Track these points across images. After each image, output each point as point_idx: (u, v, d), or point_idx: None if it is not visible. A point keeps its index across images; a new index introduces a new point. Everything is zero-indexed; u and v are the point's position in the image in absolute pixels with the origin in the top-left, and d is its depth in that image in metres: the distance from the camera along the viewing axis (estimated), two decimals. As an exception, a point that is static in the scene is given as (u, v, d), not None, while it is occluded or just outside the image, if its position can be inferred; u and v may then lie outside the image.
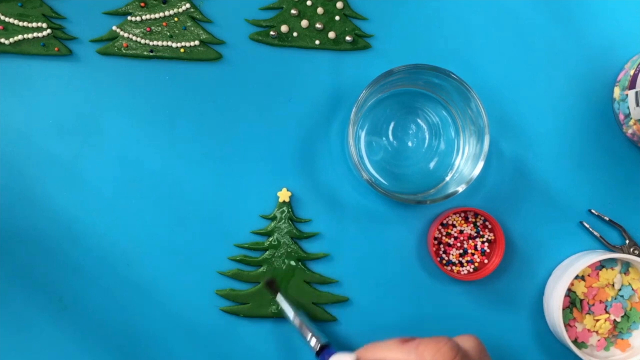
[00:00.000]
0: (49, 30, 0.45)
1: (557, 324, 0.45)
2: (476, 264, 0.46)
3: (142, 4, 0.46)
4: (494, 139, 0.47)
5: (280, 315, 0.46)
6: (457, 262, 0.46)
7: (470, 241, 0.46)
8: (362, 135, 0.46)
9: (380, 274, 0.47)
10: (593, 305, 0.46)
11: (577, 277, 0.46)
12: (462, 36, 0.47)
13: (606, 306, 0.46)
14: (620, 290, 0.46)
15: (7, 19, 0.45)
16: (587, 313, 0.46)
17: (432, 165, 0.46)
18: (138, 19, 0.45)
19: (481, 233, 0.46)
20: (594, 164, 0.48)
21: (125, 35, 0.45)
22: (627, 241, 0.47)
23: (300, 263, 0.46)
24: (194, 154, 0.46)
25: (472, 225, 0.46)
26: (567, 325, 0.46)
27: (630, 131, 0.46)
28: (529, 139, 0.47)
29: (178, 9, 0.46)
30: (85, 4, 0.46)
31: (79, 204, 0.46)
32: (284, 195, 0.46)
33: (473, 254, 0.46)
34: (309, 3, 0.46)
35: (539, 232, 0.47)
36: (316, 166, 0.47)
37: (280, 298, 0.44)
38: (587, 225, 0.47)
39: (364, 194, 0.47)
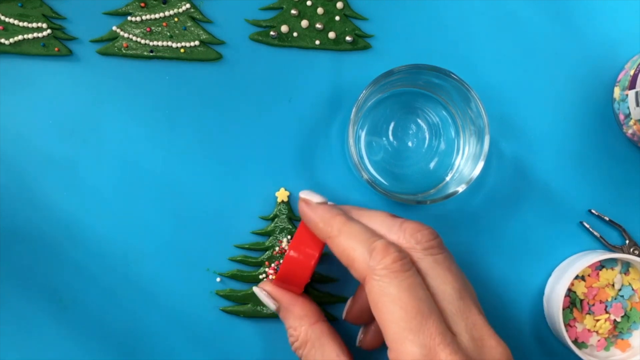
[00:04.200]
0: (49, 31, 0.45)
1: (557, 324, 0.45)
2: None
3: (142, 4, 0.46)
4: (494, 139, 0.47)
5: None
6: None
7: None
8: (362, 135, 0.46)
9: (380, 274, 0.46)
10: (593, 305, 0.46)
11: (577, 277, 0.46)
12: (462, 36, 0.47)
13: (606, 306, 0.46)
14: (620, 290, 0.46)
15: (7, 19, 0.45)
16: (587, 313, 0.46)
17: (432, 165, 0.46)
18: (138, 19, 0.46)
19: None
20: (594, 164, 0.48)
21: (126, 35, 0.45)
22: (627, 241, 0.47)
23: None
24: (193, 154, 0.46)
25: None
26: (567, 325, 0.46)
27: (630, 131, 0.46)
28: (529, 139, 0.47)
29: (178, 9, 0.46)
30: (85, 4, 0.46)
31: (78, 203, 0.46)
32: (282, 195, 0.46)
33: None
34: (309, 3, 0.46)
35: (539, 232, 0.47)
36: (316, 166, 0.47)
37: None
38: (587, 225, 0.47)
39: (364, 194, 0.47)
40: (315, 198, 0.39)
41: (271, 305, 0.41)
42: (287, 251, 0.40)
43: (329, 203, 0.40)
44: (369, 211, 0.39)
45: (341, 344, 0.40)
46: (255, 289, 0.42)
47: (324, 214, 0.38)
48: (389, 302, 0.33)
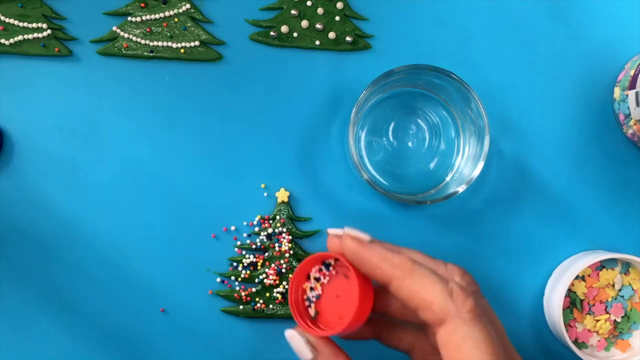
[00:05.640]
0: (49, 31, 0.45)
1: (557, 324, 0.45)
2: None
3: (143, 5, 0.46)
4: (494, 139, 0.47)
5: (281, 316, 0.46)
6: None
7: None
8: (362, 135, 0.46)
9: (380, 274, 0.46)
10: (593, 305, 0.46)
11: (577, 277, 0.46)
12: (462, 36, 0.47)
13: (606, 306, 0.46)
14: (620, 290, 0.46)
15: (7, 20, 0.45)
16: (587, 313, 0.46)
17: (432, 165, 0.46)
18: (138, 19, 0.46)
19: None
20: (594, 164, 0.48)
21: (126, 35, 0.45)
22: (627, 241, 0.48)
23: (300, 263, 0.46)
24: (193, 154, 0.46)
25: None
26: (568, 325, 0.46)
27: (630, 131, 0.46)
28: (529, 139, 0.47)
29: (178, 9, 0.46)
30: (85, 5, 0.46)
31: (79, 203, 0.46)
32: (282, 195, 0.46)
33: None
34: (309, 3, 0.46)
35: (539, 232, 0.47)
36: (316, 166, 0.47)
37: None
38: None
39: (364, 194, 0.47)
40: (364, 236, 0.36)
41: (307, 354, 0.36)
42: (356, 305, 0.35)
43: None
44: (408, 250, 0.38)
45: None
46: (291, 332, 0.36)
47: (383, 253, 0.35)
48: (473, 347, 0.33)
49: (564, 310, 0.46)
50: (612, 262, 0.46)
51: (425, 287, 0.34)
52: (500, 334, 0.36)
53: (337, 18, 0.46)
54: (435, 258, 0.38)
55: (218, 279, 0.46)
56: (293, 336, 0.36)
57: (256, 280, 0.46)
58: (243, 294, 0.46)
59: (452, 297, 0.33)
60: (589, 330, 0.46)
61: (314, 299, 0.37)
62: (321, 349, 0.36)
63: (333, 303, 0.37)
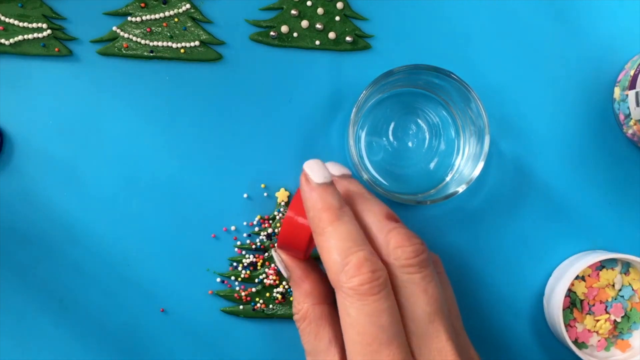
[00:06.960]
0: (49, 31, 0.45)
1: (557, 324, 0.45)
2: None
3: (143, 5, 0.46)
4: (494, 139, 0.47)
5: (281, 316, 0.46)
6: None
7: None
8: (362, 135, 0.46)
9: (381, 274, 0.46)
10: (593, 305, 0.46)
11: (577, 277, 0.46)
12: (462, 36, 0.47)
13: (606, 306, 0.46)
14: (620, 290, 0.46)
15: (7, 20, 0.45)
16: (587, 313, 0.46)
17: (432, 165, 0.46)
18: (138, 19, 0.46)
19: None
20: (594, 164, 0.48)
21: (126, 35, 0.45)
22: (627, 241, 0.48)
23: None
24: (193, 154, 0.46)
25: None
26: (568, 325, 0.46)
27: (630, 131, 0.46)
28: (529, 139, 0.47)
29: (178, 9, 0.46)
30: (85, 5, 0.46)
31: (79, 204, 0.46)
32: (282, 195, 0.46)
33: None
34: (309, 3, 0.46)
35: (539, 232, 0.47)
36: (316, 166, 0.47)
37: None
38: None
39: (364, 194, 0.47)
40: (316, 176, 0.36)
41: (284, 272, 0.40)
42: (286, 214, 0.38)
43: (345, 174, 0.39)
44: (370, 203, 0.38)
45: (337, 331, 0.39)
46: (273, 251, 0.40)
47: (316, 202, 0.35)
48: (348, 323, 0.33)
49: (564, 310, 0.46)
50: (612, 262, 0.46)
51: (327, 252, 0.35)
52: (426, 313, 0.34)
53: (337, 18, 0.46)
54: (392, 219, 0.37)
55: (218, 279, 0.46)
56: (273, 253, 0.40)
57: (256, 280, 0.46)
58: (243, 294, 0.46)
59: (344, 268, 0.33)
60: (589, 330, 0.46)
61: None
62: (292, 270, 0.40)
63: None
